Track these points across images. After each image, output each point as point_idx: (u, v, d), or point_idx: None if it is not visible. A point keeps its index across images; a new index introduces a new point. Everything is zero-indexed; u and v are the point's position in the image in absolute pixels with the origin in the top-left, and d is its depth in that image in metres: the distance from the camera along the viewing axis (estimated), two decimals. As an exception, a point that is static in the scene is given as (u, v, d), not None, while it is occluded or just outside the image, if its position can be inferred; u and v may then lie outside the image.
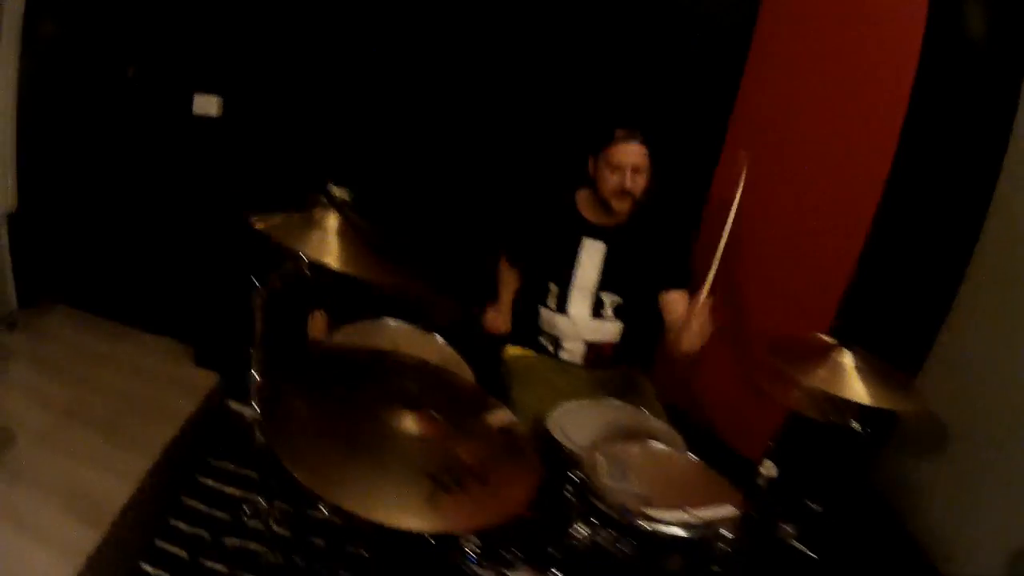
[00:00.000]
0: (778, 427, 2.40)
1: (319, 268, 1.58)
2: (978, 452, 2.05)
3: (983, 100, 2.02)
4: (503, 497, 1.20)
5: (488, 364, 2.23)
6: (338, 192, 1.71)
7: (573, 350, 2.30)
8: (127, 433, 2.56)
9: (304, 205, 1.67)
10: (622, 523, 1.32)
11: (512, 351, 2.38)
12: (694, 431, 1.96)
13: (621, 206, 2.12)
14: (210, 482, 2.42)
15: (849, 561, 2.11)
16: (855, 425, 1.73)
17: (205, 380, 2.89)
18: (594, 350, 2.30)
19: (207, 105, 2.85)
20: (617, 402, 2.02)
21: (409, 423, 1.27)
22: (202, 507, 2.33)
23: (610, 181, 2.09)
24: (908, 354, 2.25)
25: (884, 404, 1.62)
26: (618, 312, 2.26)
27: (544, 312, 2.29)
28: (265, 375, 1.57)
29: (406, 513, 1.11)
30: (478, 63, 2.68)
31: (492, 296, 2.41)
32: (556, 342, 2.32)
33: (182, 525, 2.25)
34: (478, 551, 1.29)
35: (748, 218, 1.99)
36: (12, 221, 3.03)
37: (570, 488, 1.35)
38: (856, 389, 1.61)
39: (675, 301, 2.16)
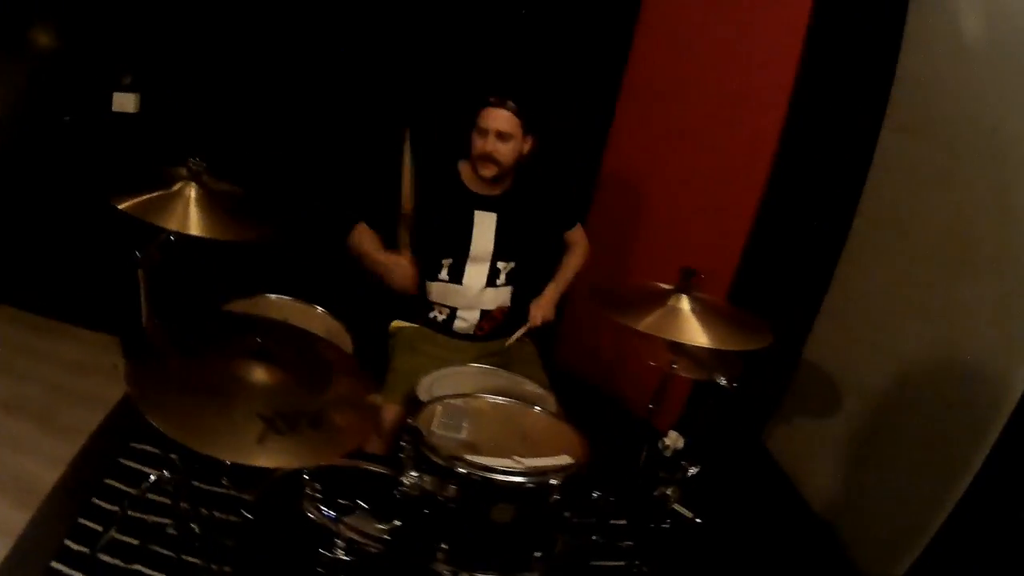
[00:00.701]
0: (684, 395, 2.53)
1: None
2: (867, 413, 2.16)
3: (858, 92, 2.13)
4: (333, 443, 1.30)
5: (373, 335, 2.32)
6: (194, 163, 1.77)
7: (468, 318, 2.33)
8: (59, 422, 2.69)
9: (165, 180, 1.74)
10: (446, 470, 1.36)
11: (398, 324, 2.40)
12: (600, 402, 2.01)
13: (485, 172, 2.16)
14: (132, 463, 2.51)
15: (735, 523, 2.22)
16: (721, 380, 1.79)
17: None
18: (487, 318, 2.34)
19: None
20: (489, 367, 2.07)
21: (257, 374, 1.36)
22: (122, 486, 2.43)
23: (476, 143, 2.14)
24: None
25: (725, 345, 1.67)
26: (510, 277, 2.31)
27: (436, 285, 2.29)
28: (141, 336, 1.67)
29: (238, 450, 1.21)
30: (360, 30, 2.73)
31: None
32: (452, 313, 2.33)
33: (104, 504, 2.34)
34: (319, 495, 1.38)
35: (644, 185, 2.11)
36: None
37: (406, 437, 1.43)
38: (692, 332, 1.65)
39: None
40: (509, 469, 1.37)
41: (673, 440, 1.87)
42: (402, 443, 1.39)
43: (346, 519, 1.39)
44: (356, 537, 1.38)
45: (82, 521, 2.26)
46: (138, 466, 2.47)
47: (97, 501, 2.34)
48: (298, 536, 1.44)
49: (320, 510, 1.39)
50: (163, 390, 1.30)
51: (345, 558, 1.40)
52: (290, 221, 1.99)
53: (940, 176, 2.02)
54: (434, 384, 1.93)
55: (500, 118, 2.09)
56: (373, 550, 1.39)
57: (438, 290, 2.32)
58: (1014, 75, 1.76)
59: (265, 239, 1.76)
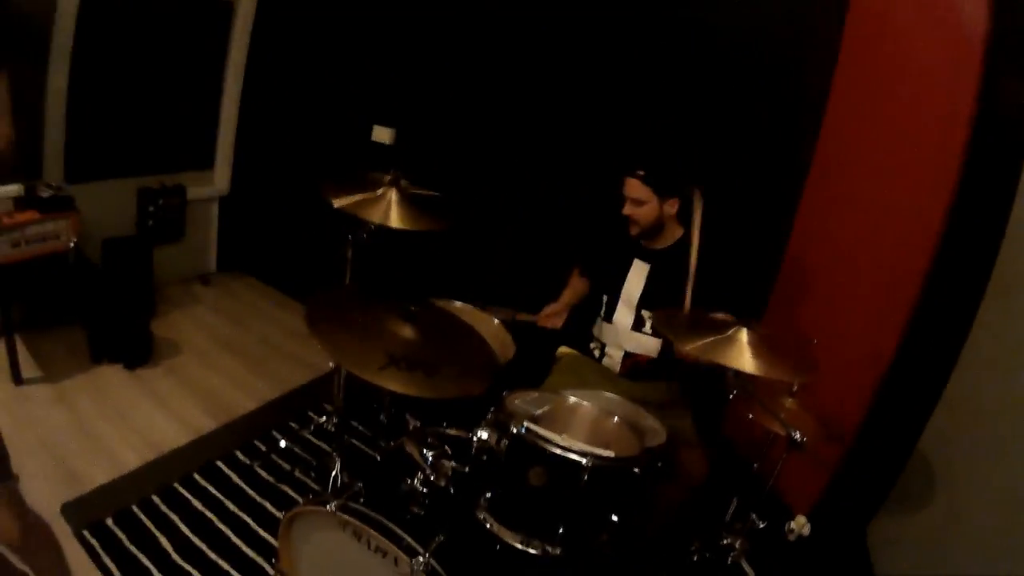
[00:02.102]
0: (824, 484, 2.62)
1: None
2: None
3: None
4: (436, 389, 1.73)
5: (536, 352, 2.69)
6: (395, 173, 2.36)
7: (613, 356, 2.62)
8: (267, 369, 3.42)
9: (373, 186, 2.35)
10: (504, 425, 1.70)
11: (564, 349, 2.78)
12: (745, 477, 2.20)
13: (632, 229, 2.49)
14: (315, 415, 3.12)
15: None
16: (796, 434, 1.85)
17: None
18: (631, 359, 2.59)
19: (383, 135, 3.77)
20: (619, 398, 2.22)
21: (403, 330, 1.85)
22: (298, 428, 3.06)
23: (623, 212, 2.50)
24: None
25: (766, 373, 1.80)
26: (658, 329, 2.54)
27: (596, 321, 2.68)
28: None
29: (363, 369, 1.69)
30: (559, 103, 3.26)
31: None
32: (601, 347, 2.67)
33: (278, 436, 2.98)
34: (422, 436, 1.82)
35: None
36: (222, 203, 4.15)
37: (492, 407, 1.81)
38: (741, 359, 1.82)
39: None
40: (548, 437, 1.67)
41: (799, 525, 1.99)
42: (491, 408, 1.77)
43: (431, 456, 1.78)
44: (431, 473, 1.77)
45: (256, 443, 2.91)
46: (317, 420, 3.06)
47: (275, 433, 2.98)
48: (396, 465, 1.88)
49: (419, 447, 1.80)
50: (332, 323, 1.83)
51: (421, 488, 1.80)
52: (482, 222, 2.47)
53: None
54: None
55: (632, 186, 2.44)
56: (441, 484, 1.78)
57: (597, 325, 2.67)
58: None
59: (444, 230, 2.28)
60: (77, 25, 3.11)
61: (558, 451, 1.64)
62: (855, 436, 2.43)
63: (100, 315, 3.16)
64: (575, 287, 2.73)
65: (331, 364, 2.52)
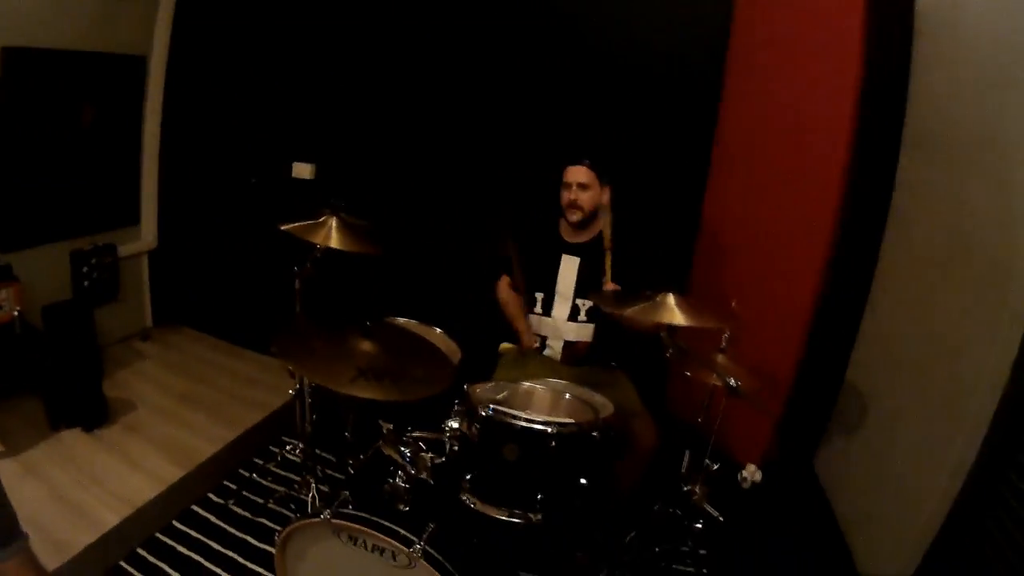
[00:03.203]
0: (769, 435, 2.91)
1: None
2: (884, 421, 2.47)
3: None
4: (404, 392, 1.93)
5: (479, 353, 2.93)
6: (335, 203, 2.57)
7: (555, 347, 2.87)
8: (222, 414, 3.53)
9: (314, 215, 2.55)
10: (472, 411, 1.96)
11: (506, 346, 3.00)
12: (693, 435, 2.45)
13: (572, 216, 2.75)
14: (276, 449, 3.32)
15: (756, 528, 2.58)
16: (732, 382, 2.12)
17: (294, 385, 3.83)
18: (570, 348, 2.85)
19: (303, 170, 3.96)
20: (566, 382, 2.47)
21: (364, 345, 2.05)
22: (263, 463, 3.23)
23: (563, 196, 2.76)
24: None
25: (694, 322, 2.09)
26: (590, 315, 2.82)
27: (532, 317, 2.90)
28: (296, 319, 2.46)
29: (338, 383, 1.88)
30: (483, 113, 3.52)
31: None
32: (542, 341, 2.90)
33: (245, 473, 3.15)
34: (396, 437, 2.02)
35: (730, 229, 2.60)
36: (152, 257, 4.26)
37: (456, 400, 2.05)
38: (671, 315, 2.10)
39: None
40: (515, 414, 1.91)
41: (751, 472, 2.23)
42: (455, 401, 1.99)
43: (409, 453, 1.99)
44: (412, 469, 1.98)
45: (225, 483, 3.05)
46: (281, 452, 3.25)
47: (241, 471, 3.14)
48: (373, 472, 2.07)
49: (396, 447, 2.00)
50: (299, 349, 2.03)
51: (403, 485, 1.99)
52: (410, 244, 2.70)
53: (948, 193, 2.25)
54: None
55: (578, 172, 2.72)
56: (423, 477, 1.98)
57: (534, 320, 2.89)
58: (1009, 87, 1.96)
59: (381, 254, 2.50)
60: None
61: (526, 424, 1.88)
62: (791, 382, 2.72)
63: (52, 381, 3.22)
64: (514, 300, 2.94)
65: (291, 392, 2.67)
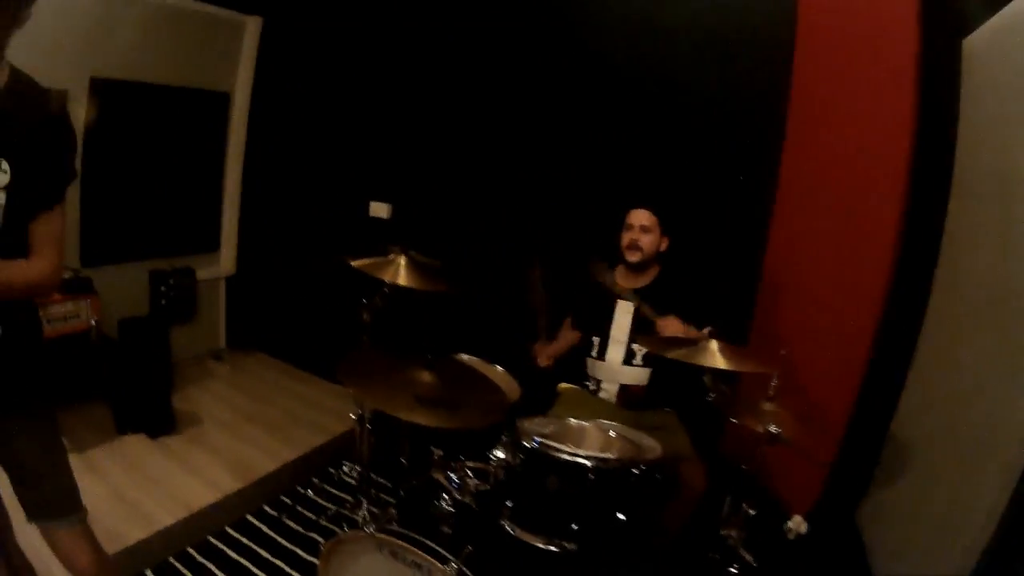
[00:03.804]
0: (820, 486, 2.94)
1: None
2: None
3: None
4: (458, 421, 2.07)
5: (538, 390, 3.04)
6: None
7: (609, 390, 2.97)
8: (286, 435, 3.72)
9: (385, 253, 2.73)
10: (518, 443, 2.07)
11: (564, 386, 3.12)
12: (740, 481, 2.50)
13: (631, 257, 2.86)
14: (334, 471, 3.53)
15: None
16: (774, 429, 2.20)
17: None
18: (626, 391, 2.94)
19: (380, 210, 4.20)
20: (618, 424, 2.49)
21: (424, 376, 2.20)
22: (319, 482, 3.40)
23: (624, 238, 2.89)
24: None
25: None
26: (647, 360, 2.90)
27: (589, 360, 3.02)
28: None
29: (396, 409, 2.02)
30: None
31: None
32: (597, 384, 3.01)
33: (301, 490, 3.34)
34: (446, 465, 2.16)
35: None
36: (229, 283, 4.54)
37: (506, 431, 2.17)
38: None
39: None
40: (558, 447, 2.01)
41: (796, 524, 2.27)
42: (503, 433, 2.11)
43: (456, 480, 2.12)
44: (457, 493, 2.10)
45: (282, 497, 3.23)
46: (338, 473, 3.47)
47: (298, 488, 3.33)
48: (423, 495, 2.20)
49: (445, 472, 2.14)
50: (361, 376, 2.18)
51: (448, 508, 2.12)
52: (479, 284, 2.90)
53: (989, 237, 2.25)
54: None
55: (640, 215, 2.86)
56: (467, 501, 2.10)
57: (590, 364, 3.00)
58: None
59: (447, 292, 2.64)
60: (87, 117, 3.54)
61: (566, 457, 1.98)
62: (843, 432, 2.74)
63: (122, 389, 3.47)
64: (567, 336, 3.10)
65: (352, 416, 2.82)
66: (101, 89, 3.59)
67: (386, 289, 2.68)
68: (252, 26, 4.29)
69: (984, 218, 2.30)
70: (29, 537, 2.00)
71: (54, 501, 1.84)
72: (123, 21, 3.61)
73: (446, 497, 2.13)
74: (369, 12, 4.05)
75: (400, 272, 2.63)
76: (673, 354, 2.25)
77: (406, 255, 2.66)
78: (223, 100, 4.31)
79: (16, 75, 1.54)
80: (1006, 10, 2.20)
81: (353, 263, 2.63)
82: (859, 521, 2.83)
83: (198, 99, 4.15)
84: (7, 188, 1.53)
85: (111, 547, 2.57)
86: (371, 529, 2.01)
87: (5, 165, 1.52)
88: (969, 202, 2.47)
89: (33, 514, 1.82)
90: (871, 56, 2.71)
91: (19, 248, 1.60)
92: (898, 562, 2.45)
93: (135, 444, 3.42)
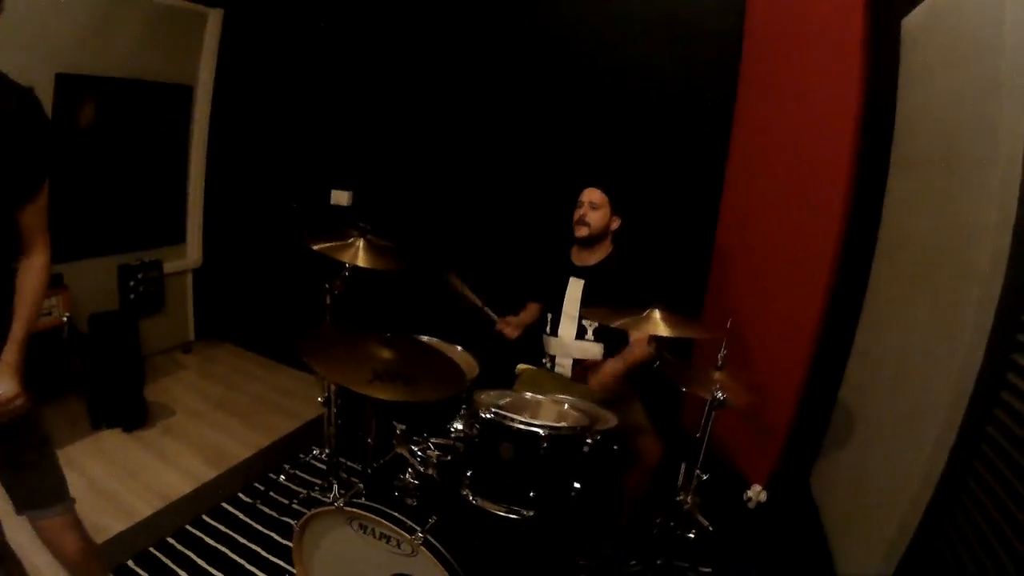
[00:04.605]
0: (775, 455, 3.10)
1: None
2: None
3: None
4: (415, 393, 2.20)
5: (497, 369, 3.16)
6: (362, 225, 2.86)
7: (564, 364, 3.11)
8: (257, 422, 3.83)
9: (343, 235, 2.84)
10: (474, 413, 2.22)
11: (523, 366, 3.26)
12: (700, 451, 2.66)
13: (579, 232, 3.00)
14: (305, 457, 3.66)
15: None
16: (720, 395, 2.37)
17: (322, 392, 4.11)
18: (579, 365, 3.08)
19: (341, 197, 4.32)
20: (573, 397, 2.66)
21: (382, 352, 2.32)
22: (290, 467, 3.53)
23: (575, 213, 3.02)
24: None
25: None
26: (597, 335, 3.04)
27: (544, 337, 3.17)
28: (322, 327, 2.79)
29: (355, 383, 2.15)
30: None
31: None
32: (552, 359, 3.15)
33: (274, 477, 3.47)
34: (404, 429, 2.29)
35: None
36: (196, 275, 4.65)
37: (464, 406, 2.32)
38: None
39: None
40: (512, 416, 2.15)
41: (756, 493, 2.48)
42: (462, 406, 2.25)
43: (419, 453, 2.25)
44: (421, 466, 2.24)
45: (255, 484, 3.35)
46: (308, 458, 3.58)
47: (271, 475, 3.45)
48: (389, 472, 2.34)
49: (408, 446, 2.27)
50: (322, 353, 2.31)
51: (413, 481, 2.25)
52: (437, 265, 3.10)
53: (925, 206, 2.40)
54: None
55: (591, 192, 2.99)
56: (430, 473, 2.24)
57: (545, 340, 3.15)
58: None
59: (403, 271, 2.79)
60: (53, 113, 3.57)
61: (521, 426, 2.13)
62: (795, 401, 2.89)
63: (95, 384, 3.57)
64: (530, 310, 3.26)
65: (319, 400, 2.95)
66: (66, 85, 3.64)
67: (346, 271, 2.80)
68: (213, 18, 4.35)
69: (922, 188, 2.45)
70: (15, 532, 2.10)
71: (42, 492, 1.94)
72: (86, 15, 3.67)
73: (410, 470, 2.25)
74: (328, 3, 4.15)
75: (359, 254, 2.76)
76: (617, 323, 2.39)
77: (363, 237, 2.78)
78: (186, 93, 4.37)
79: None
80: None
81: (314, 246, 2.74)
82: (813, 487, 2.99)
83: (161, 92, 4.21)
84: None
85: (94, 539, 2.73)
86: (339, 503, 2.13)
87: None
88: (907, 174, 2.63)
89: (23, 505, 1.91)
90: (818, 36, 2.85)
91: (6, 237, 1.76)
92: (849, 523, 2.61)
93: (110, 438, 3.52)
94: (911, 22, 2.63)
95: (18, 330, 1.77)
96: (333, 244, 2.77)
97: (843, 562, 2.47)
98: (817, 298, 2.84)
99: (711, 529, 2.45)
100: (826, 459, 2.96)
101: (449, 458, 2.25)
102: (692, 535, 2.50)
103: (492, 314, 3.20)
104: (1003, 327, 1.83)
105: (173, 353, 4.61)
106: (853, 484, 2.65)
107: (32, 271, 1.84)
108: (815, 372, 2.88)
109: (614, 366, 2.79)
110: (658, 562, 2.77)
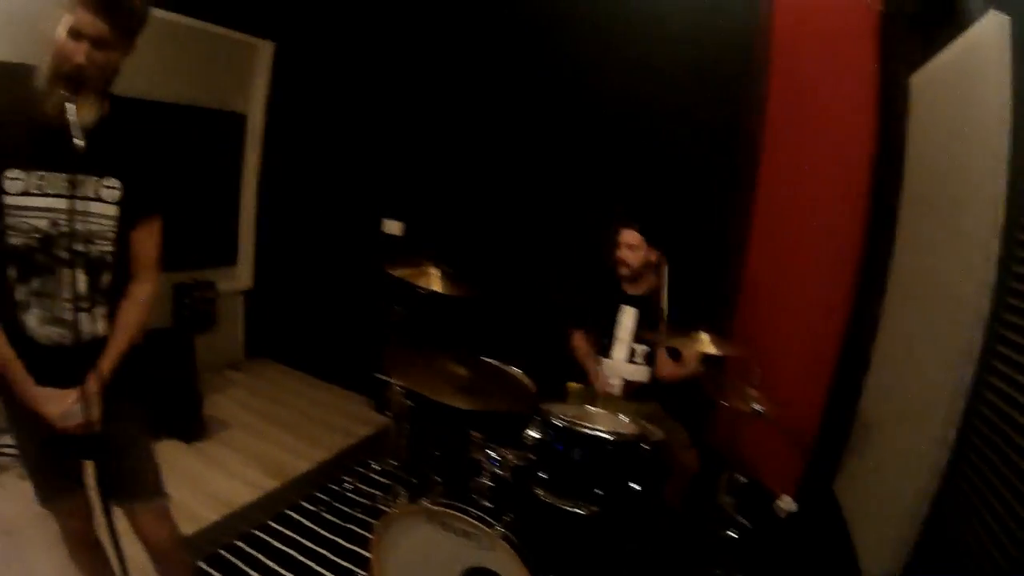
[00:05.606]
0: (801, 465, 3.47)
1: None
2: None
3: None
4: (490, 404, 2.58)
5: (550, 389, 3.38)
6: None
7: (615, 384, 3.46)
8: (313, 437, 4.18)
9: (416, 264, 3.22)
10: (546, 419, 2.59)
11: (573, 385, 3.60)
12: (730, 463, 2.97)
13: (621, 271, 3.37)
14: (362, 470, 3.98)
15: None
16: (758, 408, 2.75)
17: (380, 420, 4.47)
18: (630, 385, 3.43)
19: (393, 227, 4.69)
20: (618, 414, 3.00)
21: (458, 368, 2.70)
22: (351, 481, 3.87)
23: (616, 254, 3.39)
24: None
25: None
26: (645, 359, 3.41)
27: (597, 358, 3.52)
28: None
29: (439, 394, 2.53)
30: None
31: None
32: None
33: (336, 488, 3.79)
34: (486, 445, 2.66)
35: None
36: (247, 296, 5.02)
37: (537, 416, 2.68)
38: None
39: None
40: (583, 423, 2.53)
41: (786, 503, 2.80)
42: (534, 415, 2.62)
43: (495, 456, 2.61)
44: (498, 471, 2.60)
45: (318, 494, 3.68)
46: (369, 473, 3.92)
47: (332, 486, 3.78)
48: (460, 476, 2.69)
49: (484, 452, 2.63)
50: (405, 370, 2.69)
51: (487, 483, 2.61)
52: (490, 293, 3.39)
53: (925, 241, 2.79)
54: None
55: (628, 235, 3.35)
56: (505, 475, 2.59)
57: (597, 361, 3.48)
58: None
59: (473, 297, 3.14)
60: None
61: (590, 432, 2.50)
62: (821, 414, 3.29)
63: (154, 397, 3.88)
64: (584, 348, 3.56)
65: (388, 414, 3.30)
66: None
67: (417, 296, 3.17)
68: (265, 49, 4.75)
69: (928, 227, 2.82)
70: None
71: (143, 484, 2.18)
72: (144, 43, 4.01)
73: (485, 473, 2.60)
74: (375, 38, 4.56)
75: (432, 280, 3.13)
76: (671, 344, 2.81)
77: (435, 265, 3.15)
78: (239, 120, 4.76)
79: (118, 102, 1.90)
80: (944, 53, 2.71)
81: (391, 271, 3.13)
82: (837, 491, 3.36)
83: (215, 119, 4.59)
84: (119, 203, 1.92)
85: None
86: (424, 502, 2.46)
87: (117, 183, 1.91)
88: (916, 213, 3.00)
89: (125, 495, 2.11)
90: (836, 91, 3.26)
91: (119, 259, 1.96)
92: (869, 520, 2.96)
93: (170, 449, 3.81)
94: (919, 78, 3.00)
95: (106, 363, 1.92)
96: (408, 270, 3.14)
97: (866, 558, 2.82)
98: (838, 319, 3.24)
99: (750, 527, 2.79)
100: (849, 464, 3.32)
101: (522, 462, 2.59)
102: (732, 535, 2.85)
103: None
104: (988, 343, 2.19)
105: (223, 371, 4.95)
106: (871, 484, 2.99)
107: (135, 303, 2.02)
108: (836, 389, 3.26)
109: (677, 369, 3.25)
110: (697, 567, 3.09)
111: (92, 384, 1.83)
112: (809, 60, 3.37)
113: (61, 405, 1.85)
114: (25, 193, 1.77)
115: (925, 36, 2.84)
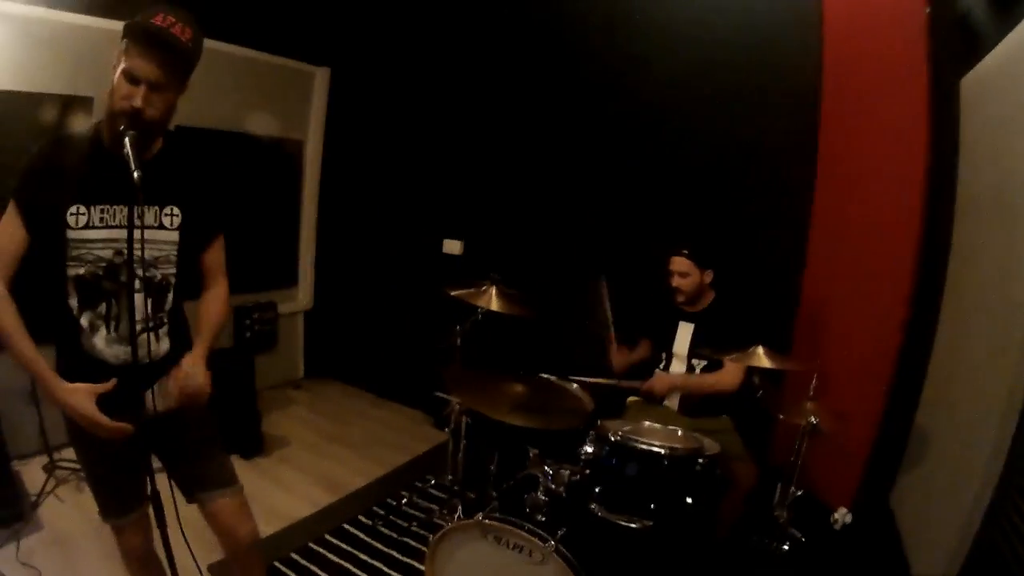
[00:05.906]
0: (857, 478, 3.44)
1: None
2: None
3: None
4: (546, 421, 2.62)
5: (610, 404, 3.51)
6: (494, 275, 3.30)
7: (672, 399, 3.50)
8: (370, 454, 4.29)
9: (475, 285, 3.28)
10: (602, 435, 2.63)
11: (632, 399, 3.64)
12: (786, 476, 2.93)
13: (678, 298, 3.39)
14: (420, 485, 4.03)
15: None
16: (814, 419, 2.76)
17: (438, 436, 4.56)
18: (686, 399, 3.45)
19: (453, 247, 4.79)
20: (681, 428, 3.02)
21: (516, 387, 2.75)
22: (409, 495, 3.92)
23: (669, 283, 3.41)
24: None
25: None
26: (704, 373, 3.39)
27: (657, 372, 3.50)
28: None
29: (497, 413, 2.58)
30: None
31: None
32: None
33: (392, 502, 3.84)
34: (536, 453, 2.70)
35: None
36: (307, 316, 5.16)
37: (592, 431, 2.72)
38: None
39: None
40: (638, 439, 2.55)
41: (842, 515, 2.84)
42: (590, 432, 2.65)
43: (550, 472, 2.64)
44: (552, 484, 2.63)
45: (374, 508, 3.75)
46: (427, 488, 3.97)
47: (389, 500, 3.84)
48: (516, 492, 2.74)
49: (540, 467, 2.67)
50: (465, 388, 2.78)
51: (543, 498, 2.64)
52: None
53: (978, 248, 2.80)
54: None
55: (677, 262, 3.37)
56: (560, 491, 2.63)
57: (657, 375, 3.48)
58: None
59: (531, 317, 3.17)
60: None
61: (644, 447, 2.53)
62: (877, 428, 3.25)
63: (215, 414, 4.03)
64: (643, 347, 3.63)
65: (446, 430, 3.37)
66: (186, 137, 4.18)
67: (478, 315, 3.24)
68: (321, 76, 4.92)
69: (983, 234, 2.82)
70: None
71: (219, 473, 2.27)
72: (203, 73, 4.21)
73: (541, 488, 2.63)
74: (432, 59, 4.69)
75: (492, 299, 3.17)
76: (727, 359, 2.82)
77: (496, 285, 3.21)
78: (297, 146, 4.94)
79: (171, 136, 2.01)
80: (993, 53, 2.71)
81: (452, 292, 3.19)
82: (892, 504, 3.32)
83: (273, 145, 4.77)
84: (180, 228, 2.04)
85: (217, 555, 2.89)
86: (481, 516, 2.49)
87: (177, 210, 2.03)
88: (970, 221, 2.99)
89: (202, 487, 2.20)
90: (888, 99, 3.25)
91: (191, 276, 2.11)
92: (922, 529, 2.93)
93: (229, 464, 3.95)
94: (969, 81, 2.99)
95: (205, 337, 2.12)
96: (468, 291, 3.20)
97: (918, 569, 2.80)
98: (895, 331, 3.21)
99: (803, 540, 2.77)
100: (904, 476, 3.28)
101: (578, 477, 2.62)
102: (787, 547, 2.84)
103: (614, 336, 3.54)
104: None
105: (284, 389, 5.11)
106: (925, 496, 2.97)
107: (216, 299, 2.22)
108: (893, 401, 3.24)
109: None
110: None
111: (189, 360, 2.02)
112: (860, 72, 3.38)
113: (86, 399, 1.89)
114: (88, 226, 1.89)
115: (973, 37, 2.84)
